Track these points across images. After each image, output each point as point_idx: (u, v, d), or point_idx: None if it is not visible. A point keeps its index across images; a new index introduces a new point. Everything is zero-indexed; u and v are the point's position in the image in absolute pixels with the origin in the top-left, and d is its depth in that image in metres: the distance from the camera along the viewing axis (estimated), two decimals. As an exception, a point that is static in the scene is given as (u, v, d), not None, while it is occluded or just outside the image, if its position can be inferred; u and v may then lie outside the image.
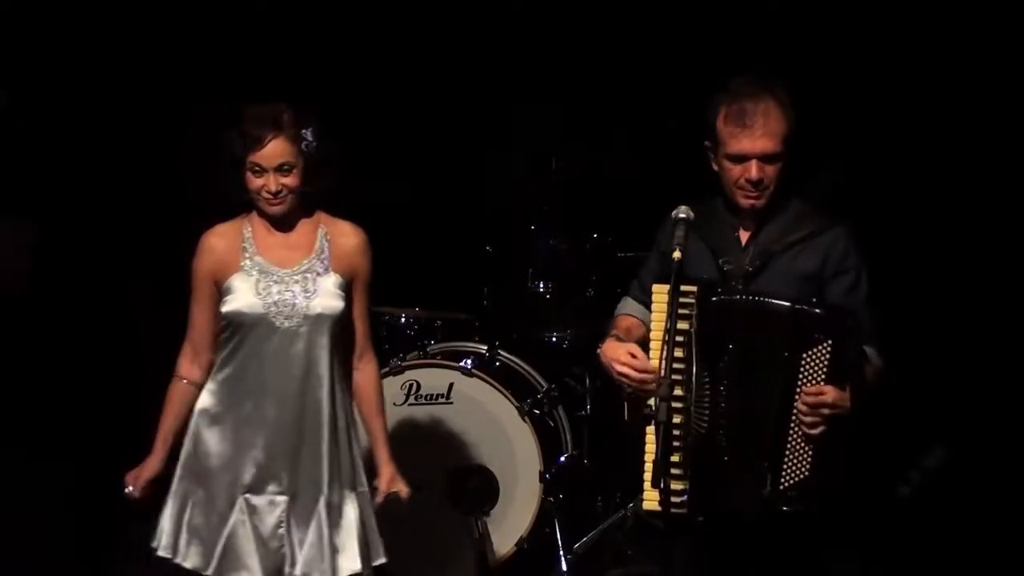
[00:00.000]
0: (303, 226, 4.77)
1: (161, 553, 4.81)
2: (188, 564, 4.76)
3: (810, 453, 4.39)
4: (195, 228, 7.00)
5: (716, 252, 4.56)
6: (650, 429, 4.33)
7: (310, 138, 4.69)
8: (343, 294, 4.74)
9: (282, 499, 4.73)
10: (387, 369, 6.19)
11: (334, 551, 4.74)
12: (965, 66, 6.70)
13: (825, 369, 4.35)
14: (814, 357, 4.36)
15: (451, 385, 6.33)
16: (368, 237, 4.82)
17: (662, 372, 4.35)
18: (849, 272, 4.52)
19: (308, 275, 4.72)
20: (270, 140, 4.65)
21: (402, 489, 4.82)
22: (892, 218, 6.60)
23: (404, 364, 6.30)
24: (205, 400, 4.79)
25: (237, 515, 4.73)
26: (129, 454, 6.79)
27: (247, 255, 4.74)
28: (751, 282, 4.50)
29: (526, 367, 6.63)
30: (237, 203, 4.80)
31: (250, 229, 4.77)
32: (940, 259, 6.71)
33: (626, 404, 4.66)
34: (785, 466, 4.40)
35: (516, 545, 6.32)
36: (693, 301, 4.39)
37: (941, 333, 6.65)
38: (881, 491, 6.50)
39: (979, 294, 6.68)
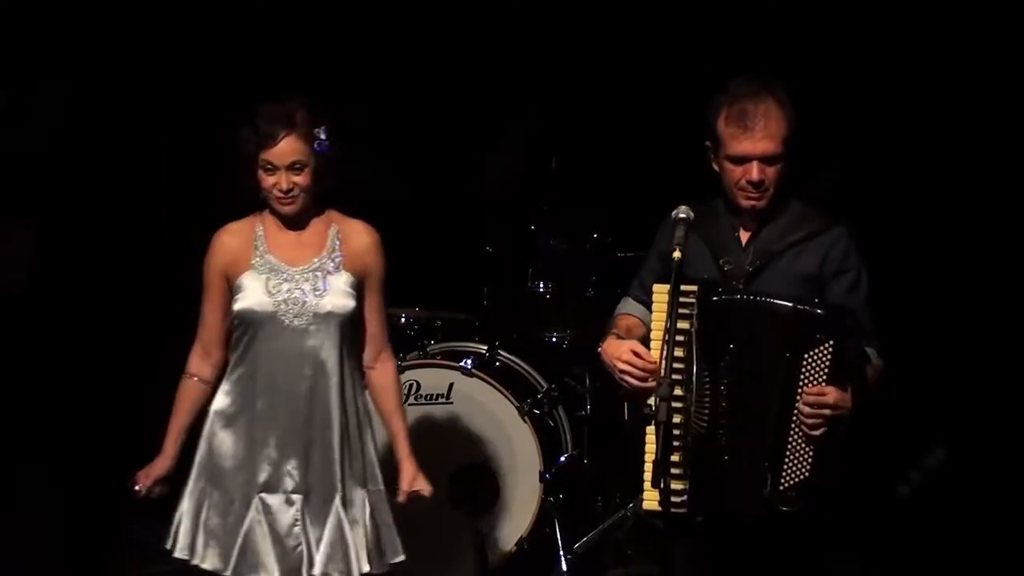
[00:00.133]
0: (315, 224, 4.77)
1: (178, 554, 4.81)
2: (206, 565, 4.76)
3: (810, 453, 4.39)
4: (196, 227, 7.05)
5: (716, 252, 4.55)
6: (650, 429, 4.33)
7: (323, 137, 4.68)
8: (354, 293, 4.74)
9: (297, 497, 4.73)
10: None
11: (350, 550, 4.73)
12: (965, 66, 6.70)
13: (826, 370, 4.35)
14: (816, 358, 4.36)
15: (451, 385, 6.33)
16: (380, 236, 4.81)
17: (662, 372, 4.35)
18: (849, 272, 4.52)
19: (318, 273, 4.72)
20: (282, 138, 4.65)
21: (424, 487, 4.80)
22: (892, 218, 6.59)
23: (404, 364, 6.30)
24: (220, 400, 4.79)
25: (253, 515, 4.73)
26: (129, 454, 6.82)
27: (258, 253, 4.74)
28: (752, 282, 4.50)
29: (526, 367, 6.63)
30: (249, 202, 4.80)
31: (262, 227, 4.77)
32: (940, 259, 6.71)
33: (626, 404, 4.66)
34: (785, 466, 4.39)
35: (516, 545, 6.32)
36: (694, 301, 4.39)
37: (941, 333, 6.65)
38: (881, 491, 6.50)
39: (979, 294, 6.68)
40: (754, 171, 4.46)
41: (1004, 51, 6.66)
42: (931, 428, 6.69)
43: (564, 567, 6.35)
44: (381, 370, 4.86)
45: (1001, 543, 6.26)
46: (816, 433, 4.37)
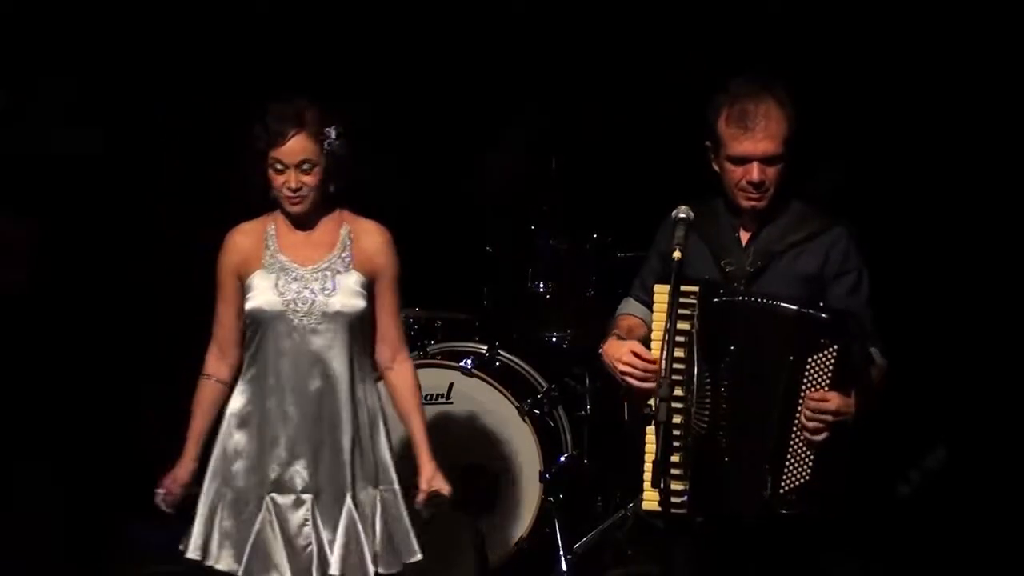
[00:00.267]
0: (326, 224, 4.76)
1: (191, 555, 4.81)
2: (220, 566, 4.76)
3: (811, 457, 4.38)
4: (196, 227, 7.05)
5: (717, 252, 4.55)
6: (650, 429, 4.33)
7: (333, 137, 4.68)
8: (364, 293, 4.73)
9: (307, 497, 4.72)
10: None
11: (365, 551, 4.72)
12: (965, 66, 6.70)
13: (830, 374, 4.34)
14: (819, 361, 4.35)
15: (451, 385, 6.33)
16: (392, 236, 4.81)
17: (662, 372, 4.34)
18: (850, 273, 4.51)
19: (327, 273, 4.72)
20: (292, 136, 4.64)
21: (443, 487, 4.78)
22: (892, 218, 6.59)
23: (404, 364, 6.30)
24: (235, 401, 4.79)
25: (264, 515, 4.73)
26: (129, 454, 6.82)
27: (269, 253, 4.74)
28: (752, 283, 4.49)
29: (526, 367, 6.63)
30: (259, 201, 4.80)
31: (274, 227, 4.77)
32: (940, 259, 6.71)
33: (626, 404, 4.65)
34: (786, 469, 4.39)
35: (516, 545, 6.33)
36: (695, 301, 4.39)
37: (941, 333, 6.64)
38: (881, 492, 6.50)
39: (979, 294, 6.68)
40: (754, 171, 4.45)
41: (1004, 51, 6.66)
42: (931, 428, 6.69)
43: (564, 567, 6.35)
44: (398, 371, 4.85)
45: (1001, 543, 6.26)
46: (818, 438, 4.36)
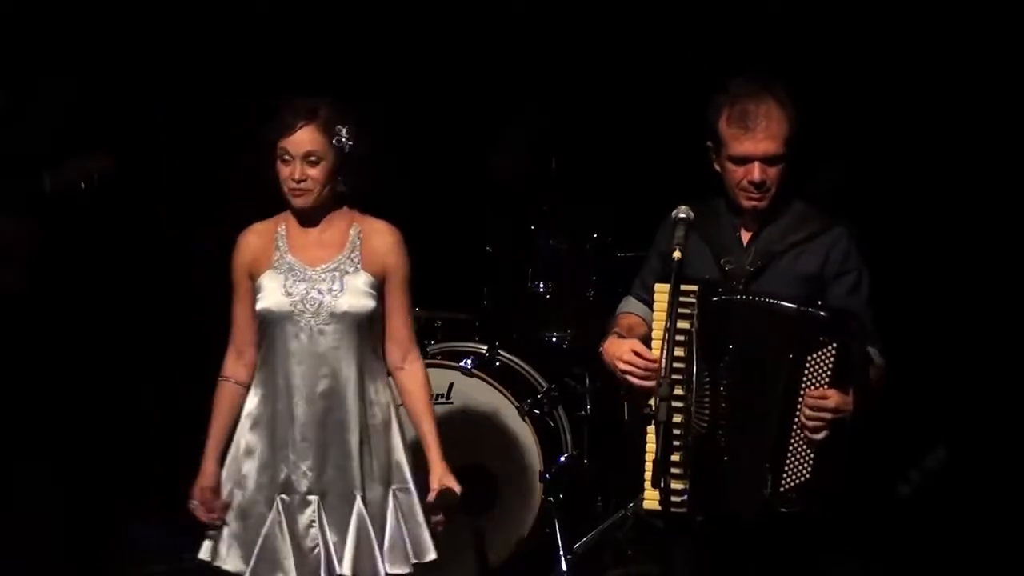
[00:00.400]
0: (336, 225, 4.76)
1: (202, 556, 4.81)
2: (228, 567, 4.77)
3: (811, 455, 4.38)
4: (196, 227, 7.05)
5: (717, 252, 4.55)
6: (650, 428, 4.33)
7: (344, 135, 4.68)
8: (373, 293, 4.72)
9: (313, 498, 4.72)
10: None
11: (375, 551, 4.72)
12: (965, 66, 6.70)
13: (829, 372, 4.35)
14: (819, 360, 4.35)
15: (451, 385, 6.32)
16: (403, 236, 4.80)
17: (662, 372, 4.35)
18: (851, 273, 4.52)
19: (336, 273, 4.71)
20: (300, 127, 4.65)
21: (453, 486, 4.78)
22: (892, 218, 6.59)
23: (404, 364, 6.30)
24: (249, 402, 4.80)
25: (273, 516, 4.73)
26: (129, 454, 6.82)
27: (278, 253, 4.74)
28: (752, 282, 4.50)
29: (526, 367, 6.63)
30: (266, 201, 4.81)
31: (284, 227, 4.77)
32: (940, 259, 6.71)
33: (626, 404, 4.65)
34: (786, 468, 4.39)
35: (516, 545, 6.32)
36: (694, 301, 4.39)
37: (941, 333, 6.64)
38: (881, 491, 6.50)
39: (979, 294, 6.68)
40: (755, 171, 4.46)
41: (1004, 51, 6.66)
42: (931, 428, 6.69)
43: (564, 567, 6.34)
44: (409, 371, 4.83)
45: (1001, 543, 6.26)
46: (818, 436, 4.36)
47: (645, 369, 4.43)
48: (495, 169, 7.24)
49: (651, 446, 4.34)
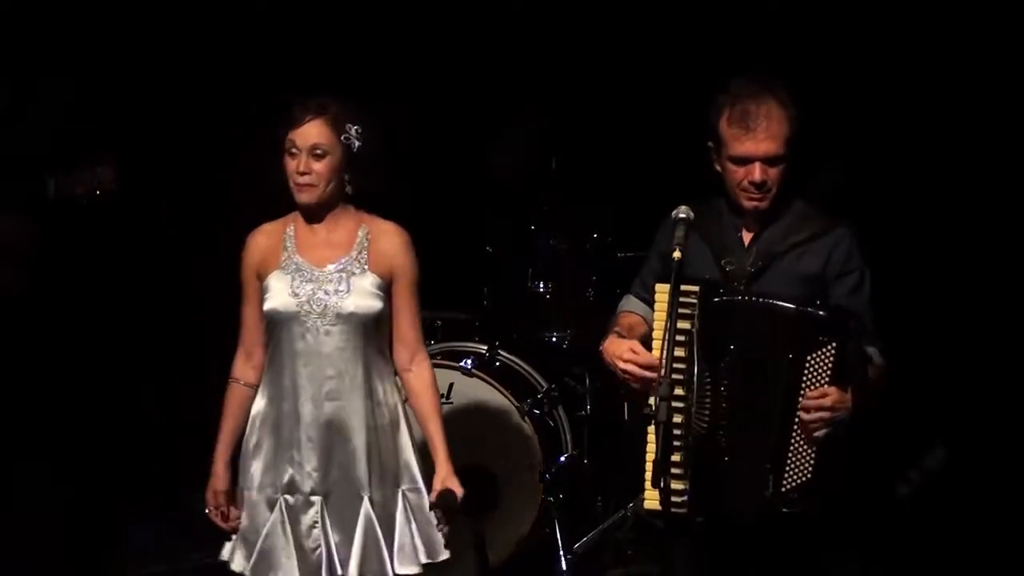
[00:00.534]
0: (344, 226, 4.76)
1: (223, 556, 4.81)
2: (234, 566, 4.77)
3: (812, 455, 4.39)
4: (196, 227, 7.05)
5: (718, 252, 4.56)
6: (651, 428, 4.33)
7: (353, 133, 4.68)
8: (380, 294, 4.72)
9: (316, 499, 4.72)
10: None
11: (383, 551, 4.72)
12: (965, 66, 6.70)
13: (829, 372, 4.35)
14: (819, 359, 4.36)
15: (451, 385, 6.32)
16: (411, 238, 4.80)
17: (663, 372, 4.35)
18: (852, 273, 4.52)
19: (343, 274, 4.71)
20: (309, 120, 4.65)
21: (455, 488, 4.77)
22: (892, 218, 6.59)
23: (404, 364, 6.30)
24: (257, 403, 4.80)
25: (276, 516, 4.73)
26: (129, 454, 6.82)
27: (286, 253, 4.74)
28: (754, 283, 4.50)
29: (526, 367, 6.63)
30: (270, 201, 4.81)
31: (293, 228, 4.77)
32: (940, 259, 6.71)
33: (626, 404, 4.66)
34: (787, 468, 4.39)
35: (516, 545, 6.32)
36: (695, 301, 4.39)
37: (941, 333, 6.64)
38: (881, 491, 6.50)
39: (979, 294, 6.68)
40: (756, 172, 4.46)
41: (1004, 51, 6.66)
42: (931, 428, 6.69)
43: (564, 567, 6.34)
44: (417, 373, 4.82)
45: (1001, 543, 6.26)
46: (818, 435, 4.36)
47: (644, 369, 4.43)
48: (495, 169, 7.24)
49: (651, 446, 4.34)
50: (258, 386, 4.81)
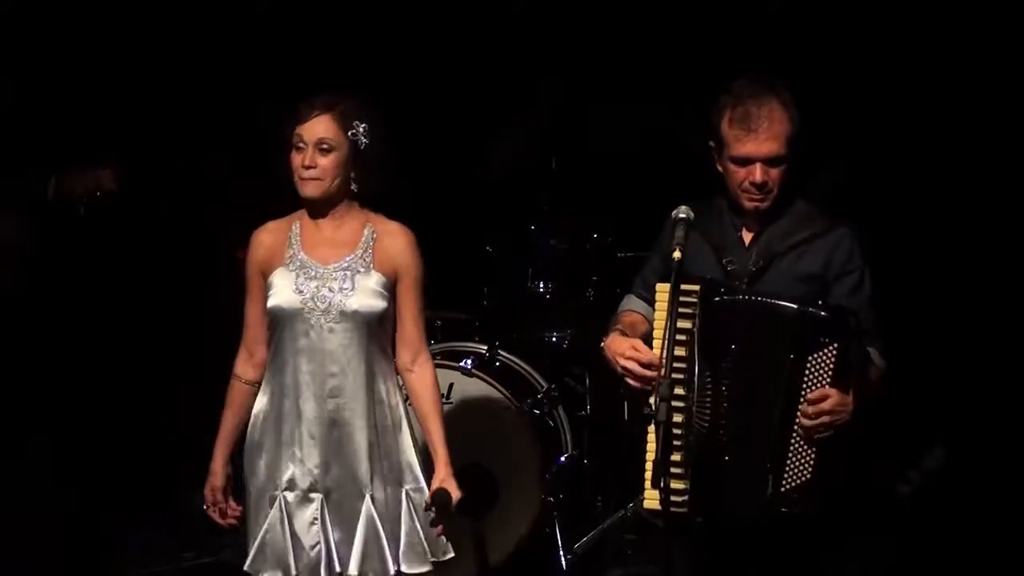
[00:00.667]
0: (350, 225, 4.76)
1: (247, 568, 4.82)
2: (246, 567, 4.77)
3: (812, 456, 4.38)
4: (197, 227, 7.05)
5: (719, 251, 4.55)
6: (651, 428, 4.33)
7: (361, 130, 4.68)
8: (385, 294, 4.72)
9: (316, 496, 4.73)
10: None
11: (385, 549, 4.73)
12: (965, 66, 6.70)
13: (830, 372, 4.35)
14: (819, 360, 4.35)
15: (451, 385, 6.32)
16: (416, 238, 4.80)
17: (663, 371, 4.34)
18: (853, 273, 4.52)
19: (347, 272, 4.71)
20: (316, 115, 4.66)
21: (453, 489, 4.76)
22: (892, 218, 6.59)
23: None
24: (259, 400, 4.80)
25: (276, 512, 4.74)
26: (129, 454, 6.82)
27: (291, 251, 4.74)
28: (755, 282, 4.50)
29: (526, 367, 6.63)
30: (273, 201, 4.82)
31: (298, 226, 4.78)
32: (940, 259, 6.71)
33: (626, 404, 4.66)
34: (787, 468, 4.39)
35: (516, 545, 6.32)
36: (696, 300, 4.39)
37: (941, 333, 6.64)
38: (881, 491, 6.50)
39: (979, 294, 6.68)
40: (757, 172, 4.46)
41: (1004, 51, 6.66)
42: (931, 428, 6.69)
43: (564, 567, 6.34)
44: (419, 374, 4.82)
45: (1001, 543, 6.26)
46: (818, 436, 4.36)
47: (645, 367, 4.43)
48: (495, 169, 7.24)
49: (651, 446, 4.34)
50: (259, 384, 4.81)
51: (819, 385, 4.36)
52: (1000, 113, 6.68)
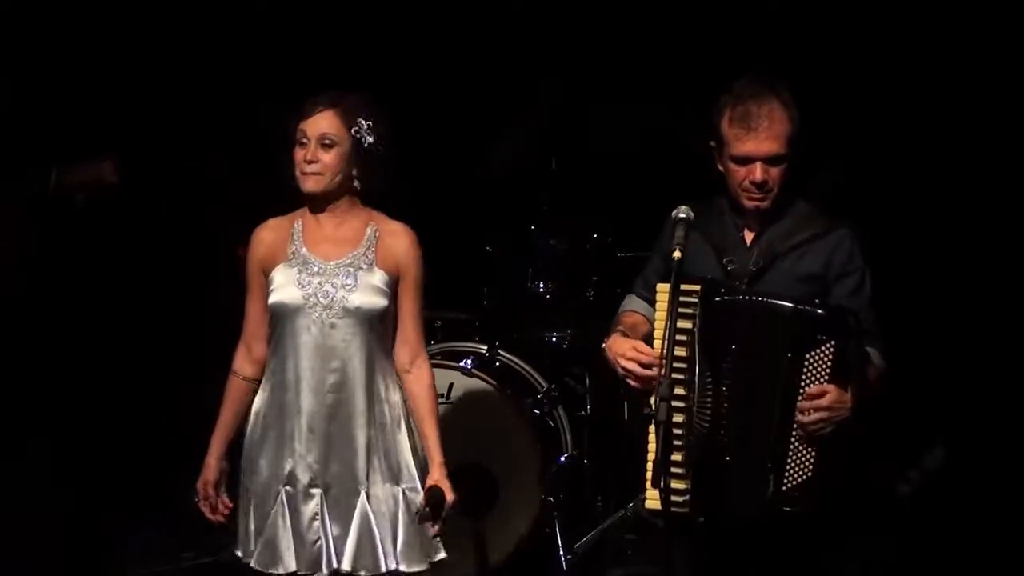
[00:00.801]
0: (353, 223, 4.76)
1: (237, 551, 4.82)
2: (253, 563, 4.77)
3: (812, 454, 4.39)
4: (197, 227, 7.05)
5: (720, 251, 4.56)
6: (651, 428, 4.33)
7: (365, 127, 4.68)
8: (387, 291, 4.72)
9: (316, 491, 4.72)
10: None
11: (378, 547, 4.73)
12: (965, 66, 6.70)
13: (828, 370, 4.35)
14: (817, 358, 4.36)
15: (451, 385, 6.32)
16: (418, 239, 4.80)
17: (663, 371, 4.34)
18: (853, 273, 4.52)
19: (350, 269, 4.71)
20: (319, 111, 4.67)
21: (447, 490, 4.76)
22: (892, 218, 6.59)
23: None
24: (259, 395, 4.80)
25: (278, 508, 4.74)
26: (129, 454, 6.82)
27: (293, 247, 4.75)
28: (755, 282, 4.51)
29: (526, 367, 6.63)
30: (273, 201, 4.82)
31: (300, 223, 4.78)
32: (940, 259, 6.71)
33: (626, 403, 4.66)
34: (788, 467, 4.39)
35: (516, 545, 6.32)
36: (696, 300, 4.39)
37: (941, 333, 6.64)
38: (881, 491, 6.50)
39: (979, 294, 6.68)
40: (757, 172, 4.47)
41: (1004, 51, 6.66)
42: (931, 428, 6.69)
43: (564, 567, 6.34)
44: (416, 375, 4.82)
45: (1001, 543, 6.26)
46: (817, 434, 4.36)
47: (646, 368, 4.43)
48: (495, 168, 7.24)
49: (652, 446, 4.33)
50: (258, 381, 4.81)
51: (817, 383, 4.37)
52: (1000, 113, 6.68)
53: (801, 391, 4.38)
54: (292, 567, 4.72)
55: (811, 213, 4.58)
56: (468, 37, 7.22)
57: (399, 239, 4.77)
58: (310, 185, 4.70)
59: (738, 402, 4.42)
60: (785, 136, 4.47)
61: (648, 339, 4.51)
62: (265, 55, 7.06)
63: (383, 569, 4.73)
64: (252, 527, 4.78)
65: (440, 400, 6.20)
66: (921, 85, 6.77)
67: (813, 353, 4.37)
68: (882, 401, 4.55)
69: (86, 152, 6.30)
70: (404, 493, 4.78)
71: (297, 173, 4.71)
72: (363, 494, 4.73)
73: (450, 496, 4.75)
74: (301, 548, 4.72)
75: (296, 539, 4.73)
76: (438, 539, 4.79)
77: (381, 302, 4.72)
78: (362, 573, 4.73)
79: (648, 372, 4.42)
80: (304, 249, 4.74)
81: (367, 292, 4.70)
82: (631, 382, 4.48)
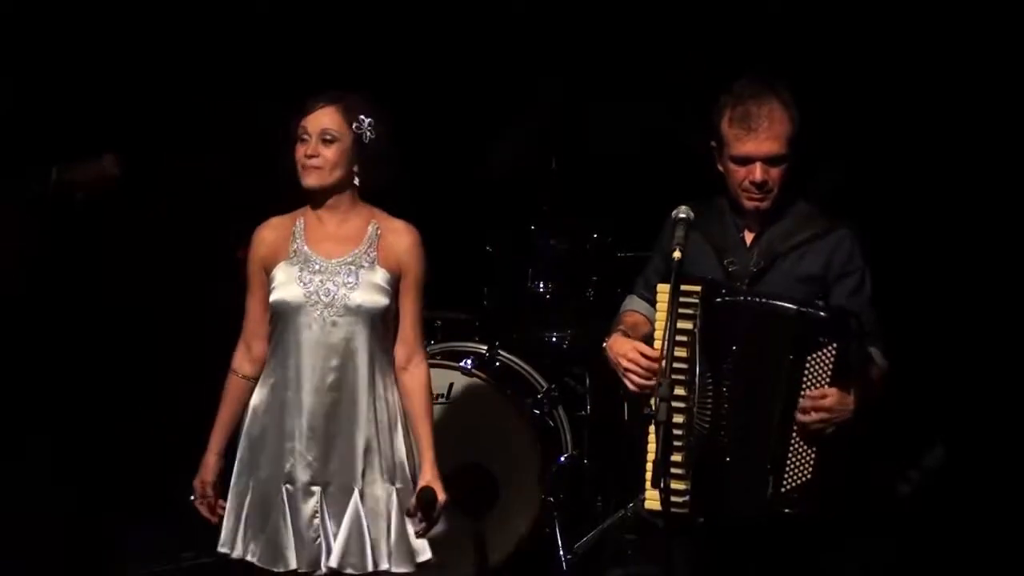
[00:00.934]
0: (355, 221, 4.76)
1: (220, 549, 4.80)
2: (250, 558, 4.76)
3: (813, 456, 4.39)
4: (197, 227, 7.05)
5: (720, 251, 4.56)
6: (651, 428, 4.33)
7: (366, 124, 4.68)
8: (388, 290, 4.72)
9: (316, 489, 4.73)
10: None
11: (367, 545, 4.72)
12: (965, 66, 6.70)
13: (829, 372, 4.35)
14: (819, 360, 4.36)
15: (451, 385, 6.32)
16: (421, 238, 4.81)
17: (664, 372, 4.34)
18: (854, 274, 4.52)
19: (352, 267, 4.71)
20: (321, 107, 4.68)
21: (439, 490, 4.76)
22: (892, 218, 6.59)
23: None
24: (257, 393, 4.80)
25: (279, 505, 4.74)
26: (129, 454, 6.82)
27: (295, 245, 4.75)
28: (756, 283, 4.50)
29: (526, 367, 6.62)
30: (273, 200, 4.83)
31: (302, 221, 4.78)
32: (939, 259, 6.71)
33: (626, 404, 4.65)
34: (788, 468, 4.39)
35: (516, 545, 6.32)
36: (697, 301, 4.39)
37: (941, 333, 6.64)
38: (881, 491, 6.50)
39: (979, 294, 6.68)
40: (757, 172, 4.47)
41: (1004, 51, 6.66)
42: (931, 428, 6.68)
43: (564, 567, 6.34)
44: (413, 373, 4.82)
45: (1001, 543, 6.26)
46: (818, 436, 4.36)
47: (647, 369, 4.43)
48: (495, 168, 7.24)
49: (652, 446, 4.33)
50: (256, 379, 4.81)
51: (818, 385, 4.36)
52: (1000, 113, 6.68)
53: (802, 393, 4.37)
54: (293, 565, 4.73)
55: (811, 213, 4.58)
56: (468, 37, 7.22)
57: (401, 237, 4.77)
58: (311, 180, 4.70)
59: (738, 403, 4.42)
60: (785, 136, 4.47)
61: (649, 339, 4.51)
62: (265, 55, 7.06)
63: (370, 568, 4.73)
64: (242, 524, 4.77)
65: (440, 400, 6.24)
66: (921, 85, 6.77)
67: (815, 355, 4.36)
68: (883, 401, 4.55)
69: (86, 152, 6.30)
70: (397, 493, 4.78)
71: (298, 169, 4.71)
72: (356, 493, 4.73)
73: (442, 496, 4.75)
74: (301, 546, 4.72)
75: (296, 537, 4.73)
76: (425, 541, 4.79)
77: (383, 300, 4.72)
78: (349, 571, 4.73)
79: (648, 374, 4.42)
80: (306, 247, 4.74)
81: (369, 290, 4.70)
82: (631, 382, 4.47)
